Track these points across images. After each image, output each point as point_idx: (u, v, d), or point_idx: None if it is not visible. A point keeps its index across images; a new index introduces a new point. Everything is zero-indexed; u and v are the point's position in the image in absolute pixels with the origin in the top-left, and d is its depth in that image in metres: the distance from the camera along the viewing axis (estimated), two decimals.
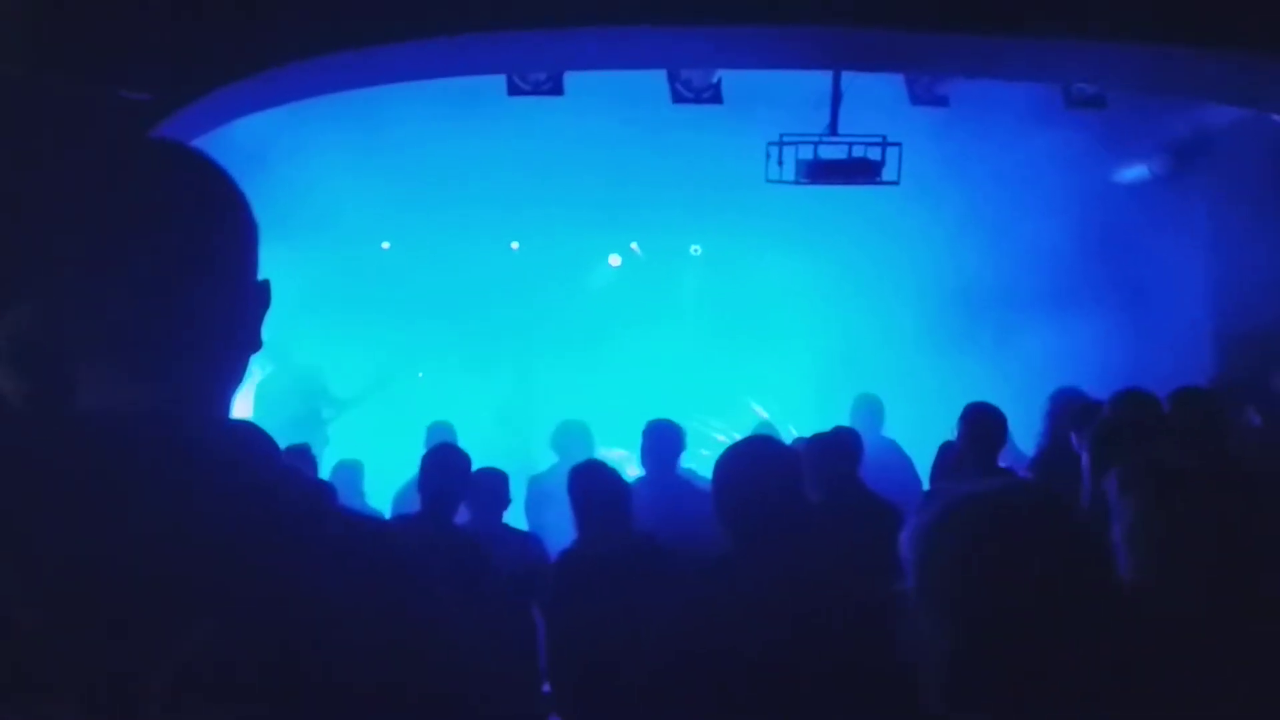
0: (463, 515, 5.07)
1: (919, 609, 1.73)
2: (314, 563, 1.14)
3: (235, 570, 1.09)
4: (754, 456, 3.36)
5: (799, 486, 3.32)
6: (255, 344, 1.26)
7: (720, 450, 3.48)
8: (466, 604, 4.17)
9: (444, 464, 4.94)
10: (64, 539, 1.06)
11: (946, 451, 6.00)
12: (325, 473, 7.23)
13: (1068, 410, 5.73)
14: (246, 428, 1.23)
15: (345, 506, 1.26)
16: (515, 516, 6.04)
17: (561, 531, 4.97)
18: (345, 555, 1.18)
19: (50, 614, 1.04)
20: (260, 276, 1.27)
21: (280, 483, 1.19)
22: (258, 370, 11.33)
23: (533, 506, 6.75)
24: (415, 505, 5.04)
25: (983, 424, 5.59)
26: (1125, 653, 1.85)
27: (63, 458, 1.11)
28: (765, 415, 9.58)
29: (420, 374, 11.98)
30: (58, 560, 1.06)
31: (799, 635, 2.96)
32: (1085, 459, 5.09)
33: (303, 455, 5.66)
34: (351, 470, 7.42)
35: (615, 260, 12.96)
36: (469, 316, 11.79)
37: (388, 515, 6.38)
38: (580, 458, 5.59)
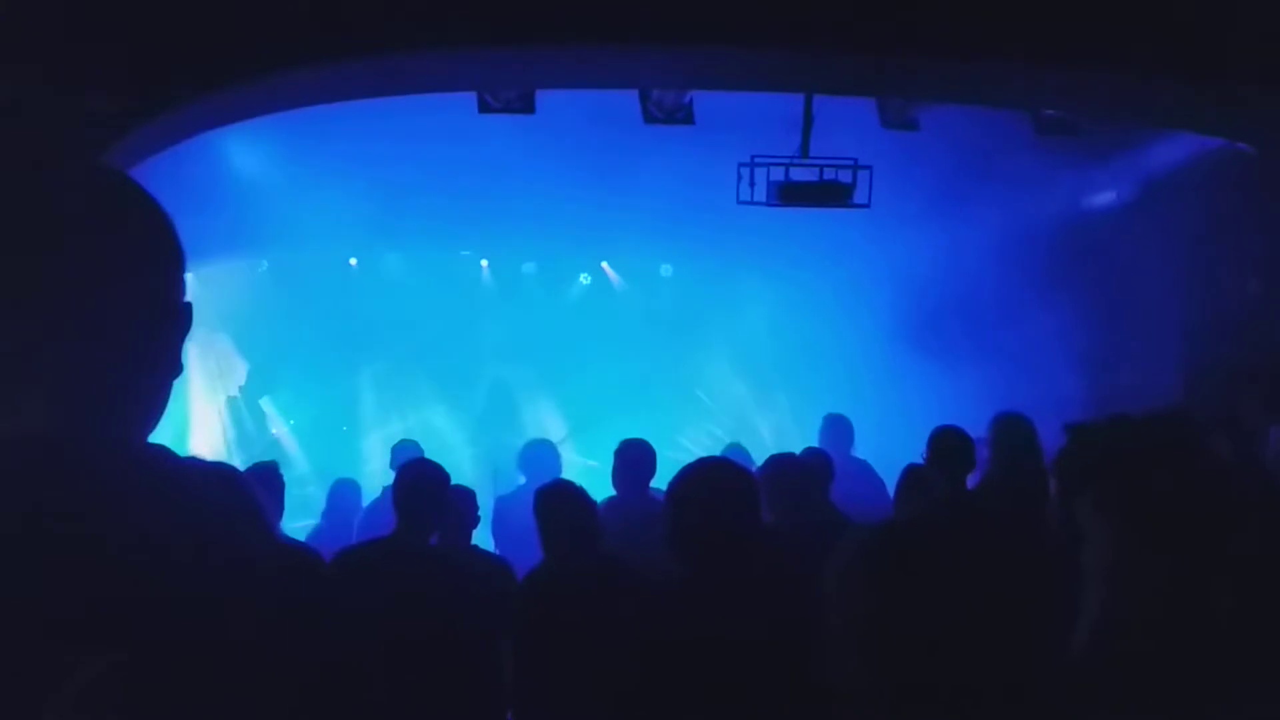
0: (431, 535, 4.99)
1: (839, 639, 1.72)
2: (217, 591, 1.11)
3: (134, 600, 1.05)
4: (707, 479, 3.30)
5: (753, 509, 3.27)
6: (176, 368, 1.22)
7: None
8: (424, 629, 4.09)
9: (422, 481, 4.81)
10: None
11: (909, 474, 5.97)
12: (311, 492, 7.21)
13: (1017, 433, 5.72)
14: (158, 452, 1.19)
15: (263, 533, 1.23)
16: (482, 537, 5.98)
17: (528, 552, 4.91)
18: (254, 582, 1.15)
19: None
20: (185, 299, 1.23)
21: (198, 507, 1.16)
22: (227, 389, 11.27)
23: (499, 527, 6.69)
24: (383, 524, 4.95)
25: (950, 447, 5.57)
26: (1057, 684, 1.84)
27: None
28: (731, 436, 9.54)
29: (344, 428, 11.85)
30: None
31: (747, 659, 2.93)
32: (1054, 483, 5.08)
33: (269, 474, 5.59)
34: (349, 490, 7.39)
35: (585, 279, 12.96)
36: (436, 335, 11.74)
37: (348, 533, 6.32)
38: (547, 478, 5.53)
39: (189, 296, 1.24)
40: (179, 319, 1.22)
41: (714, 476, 3.33)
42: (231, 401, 10.98)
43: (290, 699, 1.11)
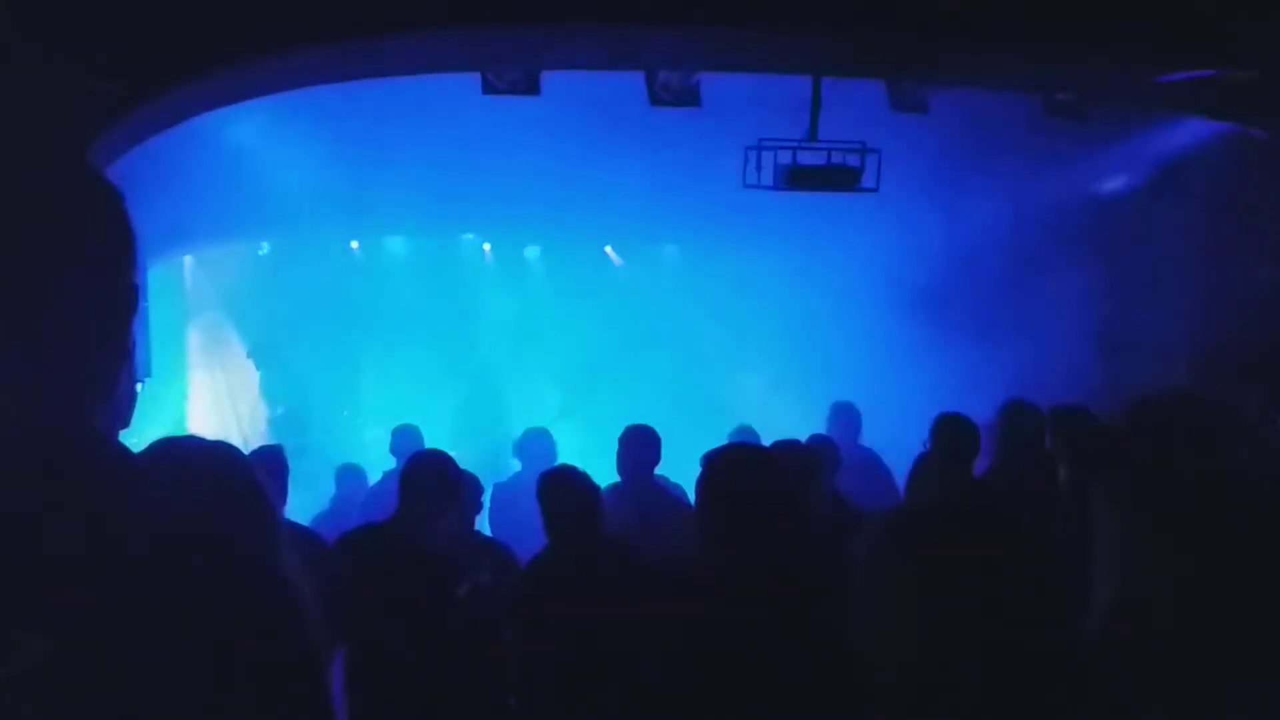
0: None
1: (867, 621, 1.72)
2: (162, 574, 1.12)
3: (69, 583, 1.07)
4: (746, 461, 3.26)
5: (789, 494, 3.23)
6: (124, 351, 1.22)
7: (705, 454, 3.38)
8: (424, 615, 4.06)
9: (431, 472, 4.76)
10: None
11: (921, 462, 5.93)
12: (319, 476, 7.20)
13: (1024, 420, 5.68)
14: (100, 438, 1.19)
15: (251, 514, 1.23)
16: (479, 523, 5.96)
17: (525, 539, 4.87)
18: (193, 568, 1.16)
19: None
20: (136, 281, 1.23)
21: (125, 495, 1.16)
22: (245, 364, 11.28)
23: (496, 514, 6.66)
24: (384, 508, 4.91)
25: (954, 435, 5.53)
26: (1081, 670, 1.84)
27: None
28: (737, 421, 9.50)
29: (345, 412, 11.81)
30: None
31: (771, 643, 2.89)
32: (1065, 470, 5.04)
33: (273, 458, 5.54)
34: (355, 474, 7.38)
35: (589, 264, 12.90)
36: (438, 318, 11.72)
37: (354, 517, 6.28)
38: (544, 466, 5.50)
39: (139, 279, 1.24)
40: (123, 302, 1.21)
41: (751, 459, 3.29)
42: (232, 383, 10.95)
43: (278, 683, 1.13)
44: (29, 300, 1.13)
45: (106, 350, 1.20)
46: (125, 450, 1.20)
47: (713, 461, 3.25)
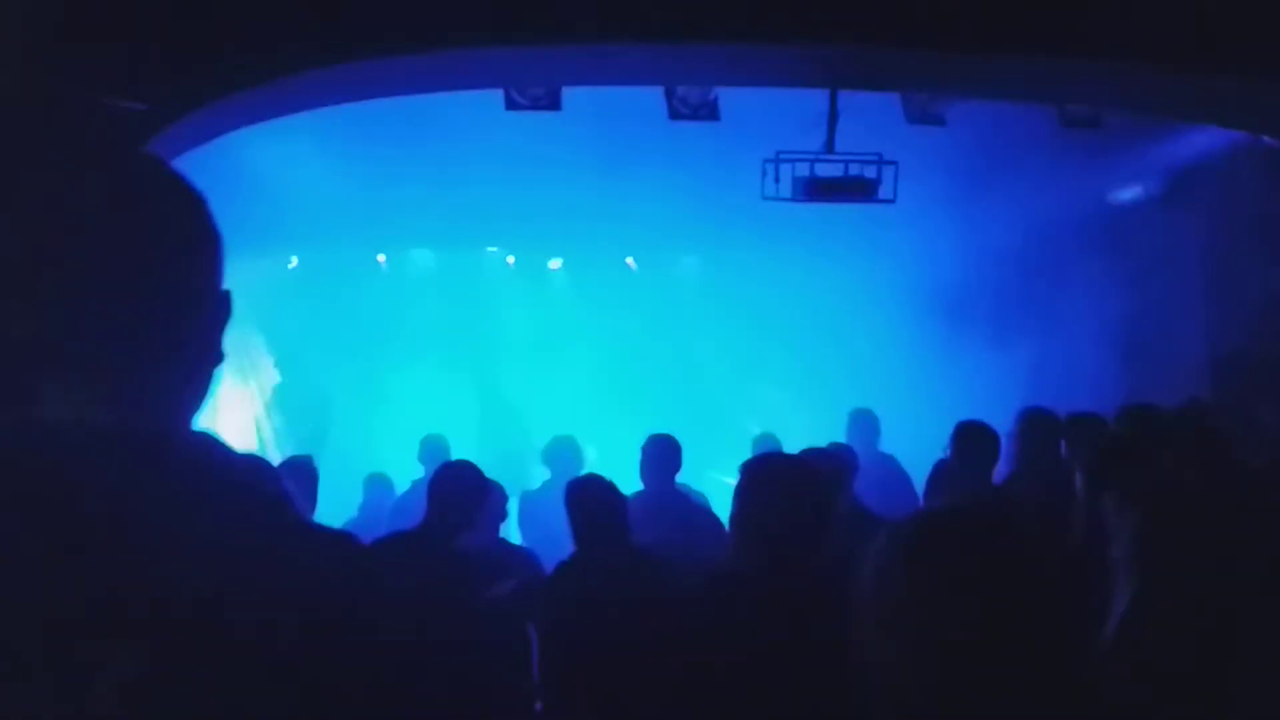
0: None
1: (873, 629, 1.73)
2: (270, 576, 1.13)
3: (188, 583, 1.08)
4: (784, 471, 3.29)
5: (827, 504, 3.26)
6: (217, 355, 1.24)
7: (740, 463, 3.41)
8: (454, 623, 4.12)
9: (461, 481, 4.85)
10: (12, 550, 1.05)
11: (940, 468, 5.99)
12: (344, 485, 7.28)
13: (1042, 428, 5.72)
14: (205, 440, 1.21)
15: (302, 518, 1.25)
16: (507, 532, 6.03)
17: (553, 547, 4.95)
18: (303, 567, 1.17)
19: (16, 609, 1.04)
20: (224, 287, 1.26)
21: (241, 493, 1.18)
22: (275, 377, 11.39)
23: (525, 522, 6.73)
24: (412, 518, 5.00)
25: (975, 441, 5.58)
26: (1091, 680, 1.84)
27: (16, 468, 1.10)
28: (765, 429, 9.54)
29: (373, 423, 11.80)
30: (5, 571, 1.05)
31: (800, 653, 2.93)
32: (1081, 478, 5.08)
33: (304, 468, 5.65)
34: (382, 484, 7.45)
35: (611, 276, 12.97)
36: (463, 330, 11.80)
37: (383, 525, 6.37)
38: (572, 473, 5.57)
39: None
40: (217, 306, 1.24)
41: (792, 468, 3.32)
42: (261, 397, 11.07)
43: (328, 685, 1.12)
44: (127, 314, 1.14)
45: (205, 356, 1.23)
46: (219, 450, 1.21)
47: (751, 471, 3.28)
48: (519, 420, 11.21)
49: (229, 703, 1.07)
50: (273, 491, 1.25)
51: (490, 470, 5.11)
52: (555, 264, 12.67)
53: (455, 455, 6.36)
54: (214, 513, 1.13)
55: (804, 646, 2.91)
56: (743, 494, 3.22)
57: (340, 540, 1.28)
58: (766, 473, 3.26)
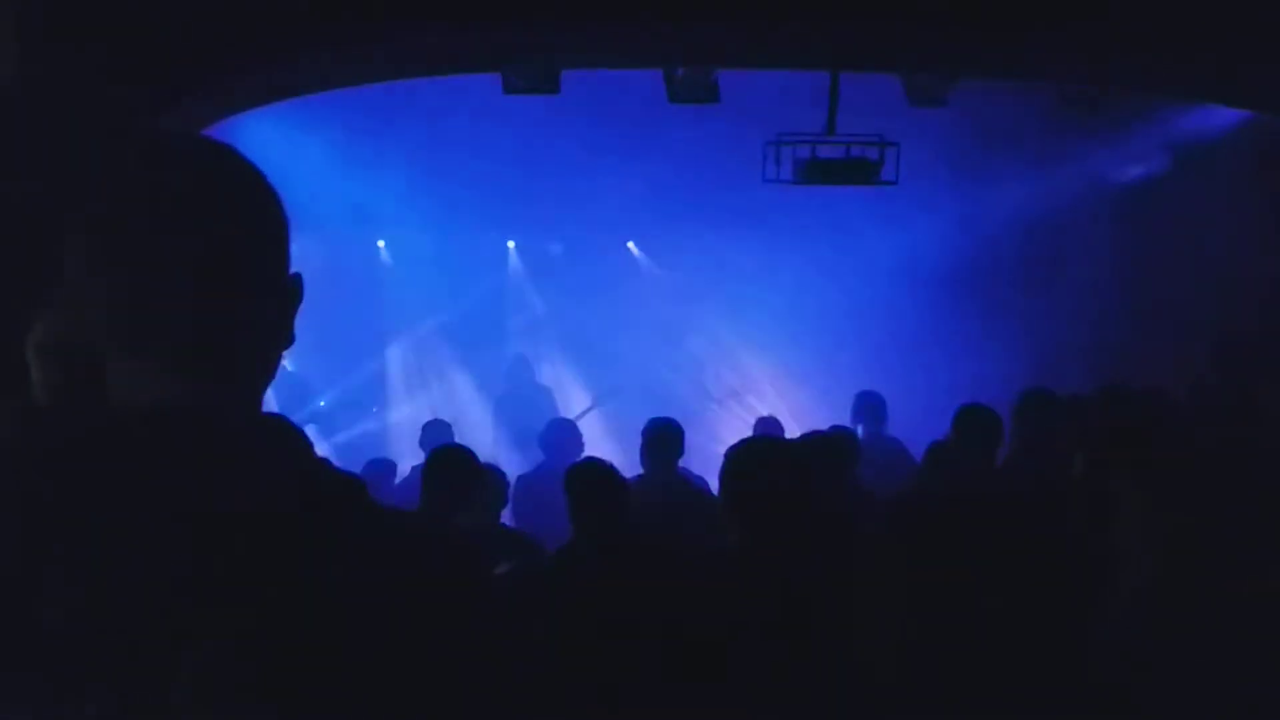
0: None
1: (872, 604, 1.72)
2: (354, 556, 1.14)
3: (274, 565, 1.08)
4: (764, 454, 3.31)
5: (808, 487, 3.27)
6: (288, 339, 1.26)
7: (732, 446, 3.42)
8: (465, 608, 4.12)
9: (452, 465, 4.86)
10: (97, 535, 1.05)
11: (934, 452, 5.97)
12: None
13: (1042, 410, 5.71)
14: (279, 422, 1.22)
15: (378, 500, 1.25)
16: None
17: (551, 531, 4.94)
18: (386, 549, 1.18)
19: (82, 610, 1.03)
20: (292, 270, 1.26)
21: (317, 476, 1.18)
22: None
23: (521, 506, 6.72)
24: (414, 503, 4.99)
25: (978, 425, 5.57)
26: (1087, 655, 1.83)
27: (94, 451, 1.10)
28: (767, 412, 9.54)
29: (374, 409, 11.87)
30: (91, 556, 1.05)
31: (791, 630, 2.94)
32: (1081, 459, 5.07)
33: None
34: (383, 469, 7.43)
35: (612, 260, 12.95)
36: (464, 316, 11.78)
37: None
38: (569, 458, 5.56)
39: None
40: (289, 289, 1.26)
41: (774, 450, 3.34)
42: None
43: (404, 666, 1.12)
44: (206, 300, 1.15)
45: (276, 339, 1.24)
46: (294, 431, 1.22)
47: (733, 455, 3.31)
48: (522, 405, 11.19)
49: (304, 688, 1.07)
50: (347, 473, 1.25)
51: (496, 455, 5.10)
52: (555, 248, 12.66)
53: (459, 440, 6.34)
54: (301, 493, 1.14)
55: (789, 625, 2.92)
56: (724, 477, 3.26)
57: (416, 523, 1.31)
58: (746, 456, 3.28)
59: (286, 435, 1.20)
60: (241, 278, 1.18)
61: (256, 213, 1.22)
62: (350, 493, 1.20)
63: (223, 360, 1.17)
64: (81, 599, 1.04)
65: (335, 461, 1.29)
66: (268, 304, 1.22)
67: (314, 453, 1.20)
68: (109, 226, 1.13)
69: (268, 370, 1.24)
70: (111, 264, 1.13)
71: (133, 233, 1.13)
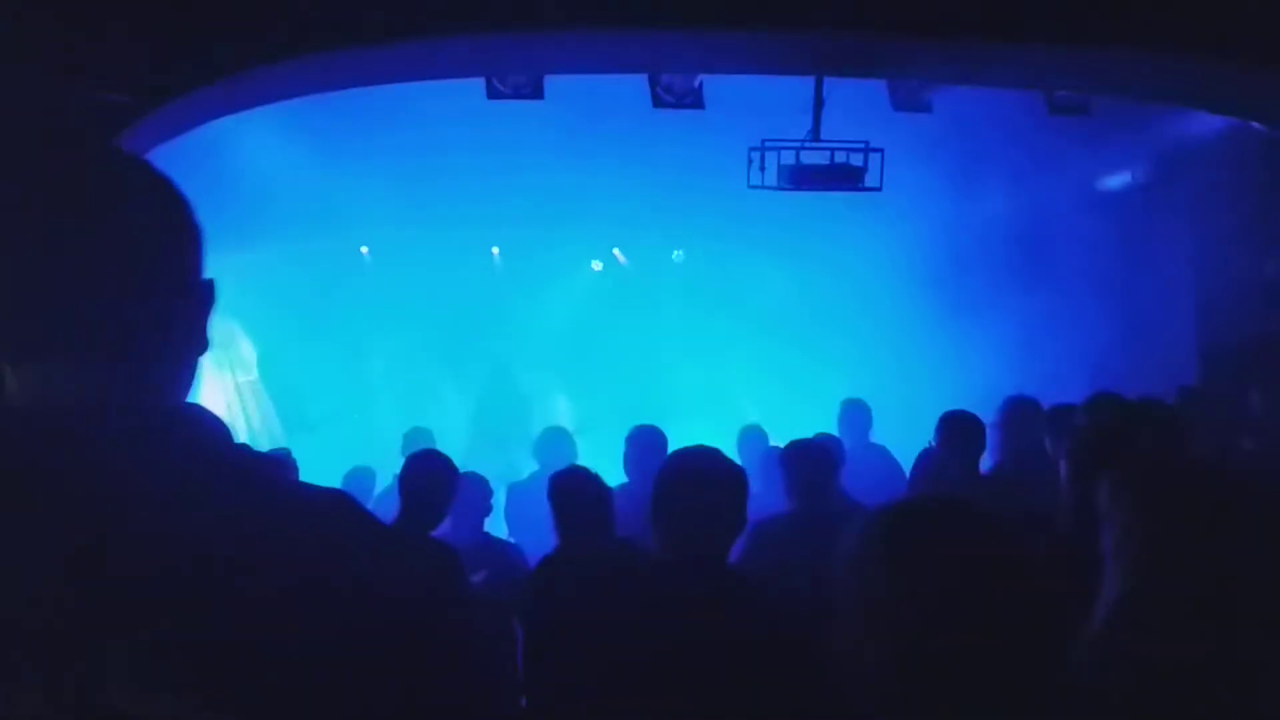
0: (443, 523, 4.99)
1: (849, 621, 1.69)
2: (276, 539, 1.14)
3: (198, 553, 1.08)
4: (695, 467, 3.25)
5: (738, 501, 3.21)
6: (202, 344, 1.28)
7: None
8: (440, 615, 4.07)
9: (429, 472, 4.83)
10: (14, 530, 1.06)
11: (924, 459, 5.96)
12: (329, 480, 7.18)
13: (1026, 418, 5.71)
14: (196, 411, 1.24)
15: (300, 481, 1.25)
16: (495, 525, 5.98)
17: (542, 540, 4.91)
18: (307, 528, 1.19)
19: (12, 603, 1.04)
20: (207, 276, 1.29)
21: (232, 461, 1.20)
22: (239, 376, 11.32)
23: (513, 514, 6.68)
24: (392, 513, 4.95)
25: (960, 430, 5.55)
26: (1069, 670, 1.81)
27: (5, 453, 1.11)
28: (750, 420, 9.51)
29: (356, 415, 11.75)
30: (11, 550, 1.05)
31: (728, 644, 2.93)
32: (1064, 467, 5.05)
33: (283, 462, 5.60)
34: (363, 477, 7.38)
35: (597, 266, 12.94)
36: (448, 323, 11.73)
37: None
38: (561, 466, 5.52)
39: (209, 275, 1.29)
40: (200, 295, 1.27)
41: (698, 464, 3.28)
42: (242, 389, 10.98)
43: (323, 662, 1.11)
44: (111, 301, 1.17)
45: (190, 346, 1.26)
46: (210, 422, 1.24)
47: (665, 465, 3.28)
48: (509, 413, 11.15)
49: (236, 684, 1.07)
50: (270, 456, 1.25)
51: (482, 464, 5.06)
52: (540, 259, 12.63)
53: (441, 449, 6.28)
54: (209, 485, 1.14)
55: (715, 640, 2.91)
56: (656, 486, 3.21)
57: (340, 499, 1.28)
58: (679, 467, 3.24)
59: (201, 424, 1.21)
60: (148, 281, 1.20)
61: (163, 220, 1.24)
62: (267, 474, 1.22)
63: (129, 358, 1.19)
64: (5, 594, 1.04)
65: (317, 469, 1.29)
66: (175, 306, 1.23)
67: (231, 439, 1.23)
68: (12, 230, 1.15)
69: (181, 369, 1.25)
70: (13, 266, 1.14)
71: (37, 237, 1.15)
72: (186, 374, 1.26)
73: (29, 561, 1.05)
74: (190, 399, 1.27)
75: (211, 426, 1.22)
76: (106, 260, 1.17)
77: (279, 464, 1.30)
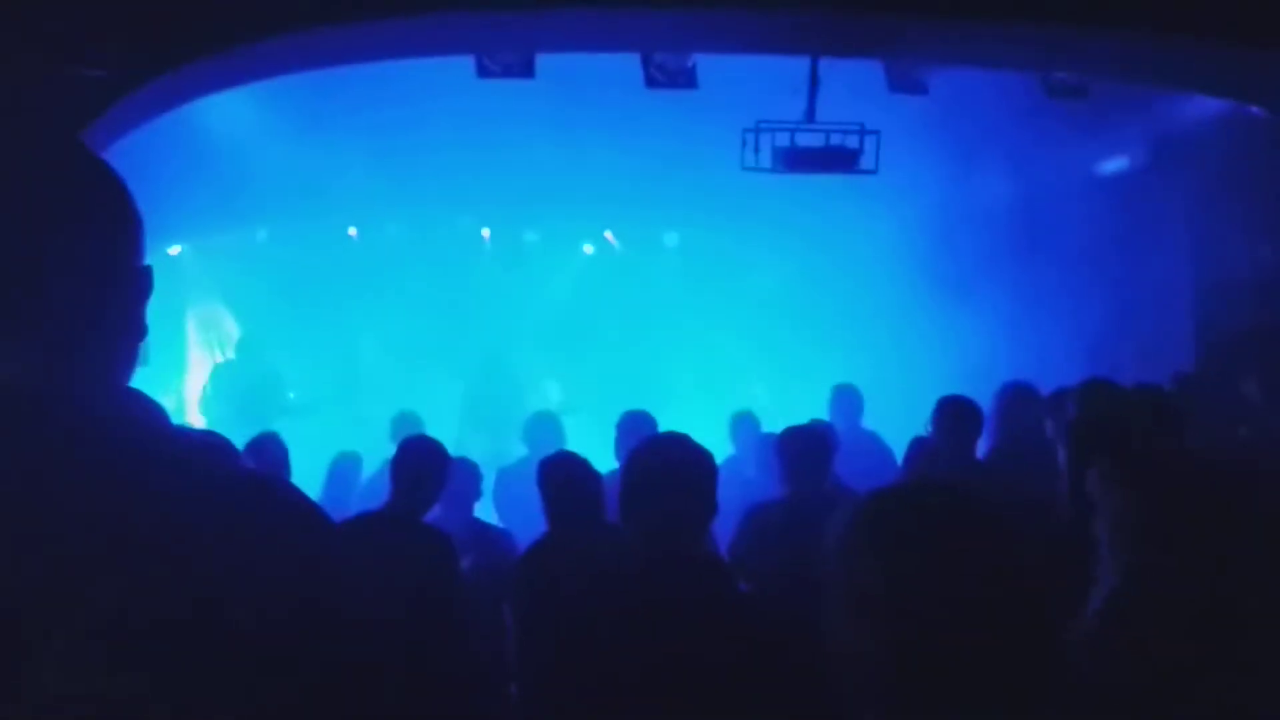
0: (434, 509, 4.94)
1: (839, 609, 1.65)
2: (210, 518, 1.13)
3: (132, 531, 1.07)
4: (664, 456, 3.18)
5: (704, 489, 3.13)
6: (139, 330, 1.27)
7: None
8: (430, 602, 4.03)
9: (421, 456, 4.77)
10: None
11: (917, 446, 5.92)
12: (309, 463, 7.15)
13: (1023, 403, 5.68)
14: (132, 395, 1.23)
15: (239, 464, 1.20)
16: (484, 510, 5.93)
17: (532, 526, 4.85)
18: (241, 510, 1.18)
19: None
20: (144, 262, 1.28)
21: (169, 443, 1.19)
22: (216, 357, 11.25)
23: (502, 500, 6.63)
24: (382, 498, 4.89)
25: (957, 417, 5.54)
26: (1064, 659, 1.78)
27: None
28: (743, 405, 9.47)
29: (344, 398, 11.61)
30: None
31: (717, 630, 2.89)
32: (1064, 453, 5.01)
33: (273, 441, 5.54)
34: (350, 463, 7.31)
35: (589, 249, 12.87)
36: (438, 306, 11.67)
37: (353, 505, 6.25)
38: (551, 451, 5.47)
39: (148, 260, 1.28)
40: (136, 281, 1.25)
41: (668, 451, 3.21)
42: (228, 370, 10.88)
43: (278, 659, 1.09)
44: (43, 285, 1.16)
45: (126, 332, 1.25)
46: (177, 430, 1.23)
47: (629, 455, 3.20)
48: (499, 397, 11.09)
49: (179, 683, 1.05)
50: (200, 436, 1.22)
51: (472, 448, 5.01)
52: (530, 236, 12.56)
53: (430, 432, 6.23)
54: (140, 468, 1.13)
55: (705, 627, 2.88)
56: (624, 476, 3.13)
57: (288, 501, 1.26)
58: (646, 455, 3.16)
59: (136, 407, 1.20)
60: (79, 265, 1.19)
61: (98, 205, 1.23)
62: (205, 454, 1.20)
63: (60, 343, 1.18)
64: None
65: (305, 454, 1.25)
66: (108, 292, 1.22)
67: (168, 420, 1.22)
68: None
69: (118, 354, 1.24)
70: None
71: None
72: (123, 359, 1.25)
73: None
74: (167, 385, 1.23)
75: (148, 410, 1.21)
76: (35, 243, 1.16)
77: (217, 448, 1.30)
